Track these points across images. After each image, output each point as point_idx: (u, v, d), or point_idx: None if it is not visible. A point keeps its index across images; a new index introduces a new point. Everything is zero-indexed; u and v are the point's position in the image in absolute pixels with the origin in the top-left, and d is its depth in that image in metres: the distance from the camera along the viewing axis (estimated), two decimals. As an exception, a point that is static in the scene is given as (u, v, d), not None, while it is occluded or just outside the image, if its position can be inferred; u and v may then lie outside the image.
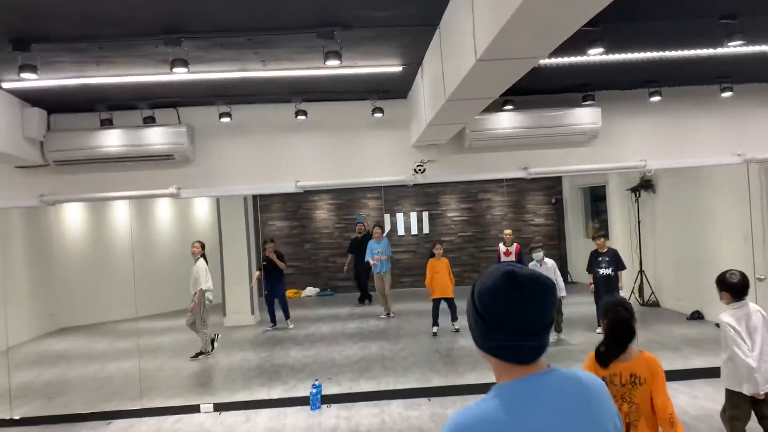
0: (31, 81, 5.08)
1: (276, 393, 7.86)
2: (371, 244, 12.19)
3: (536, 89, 7.15)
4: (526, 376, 1.59)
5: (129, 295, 12.26)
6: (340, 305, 14.02)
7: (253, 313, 12.62)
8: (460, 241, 16.28)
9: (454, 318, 10.51)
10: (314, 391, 7.37)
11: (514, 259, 11.47)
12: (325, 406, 7.34)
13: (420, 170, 7.19)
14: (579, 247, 15.54)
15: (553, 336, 9.44)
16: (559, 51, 5.37)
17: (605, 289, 9.55)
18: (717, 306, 10.22)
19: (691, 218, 11.06)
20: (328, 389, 7.65)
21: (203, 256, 9.73)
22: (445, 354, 9.42)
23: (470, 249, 16.16)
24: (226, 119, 7.07)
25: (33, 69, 4.68)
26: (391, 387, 7.83)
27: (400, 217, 15.81)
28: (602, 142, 7.38)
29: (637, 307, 11.67)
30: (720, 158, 7.39)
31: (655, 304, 12.00)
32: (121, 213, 13.64)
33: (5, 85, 5.92)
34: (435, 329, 10.45)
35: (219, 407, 7.43)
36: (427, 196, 16.05)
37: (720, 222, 10.43)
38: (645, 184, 12.25)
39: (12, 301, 10.06)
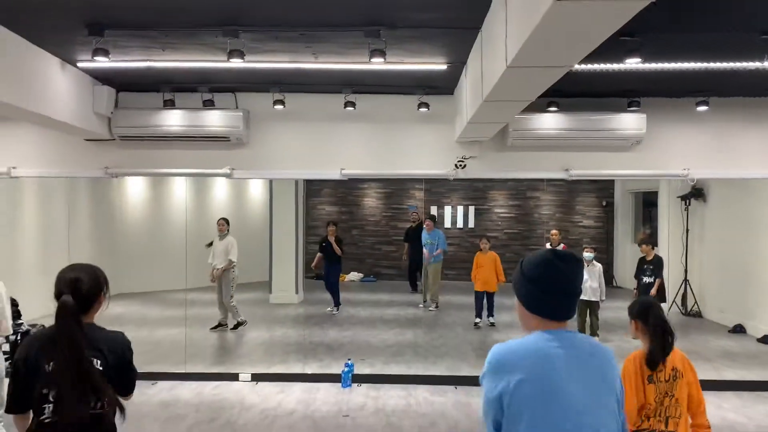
0: (102, 63, 5.54)
1: (310, 369, 8.25)
2: (423, 234, 12.40)
3: (581, 92, 7.25)
4: (557, 330, 2.05)
5: (181, 267, 12.96)
6: (382, 291, 14.36)
7: (297, 292, 13.06)
8: (506, 238, 16.33)
9: (491, 313, 10.69)
10: (346, 369, 7.72)
11: None
12: (356, 384, 7.68)
13: (461, 165, 7.41)
14: (626, 252, 15.38)
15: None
16: (600, 58, 5.52)
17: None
18: (760, 320, 10.16)
19: (742, 230, 10.89)
20: (360, 369, 7.98)
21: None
22: (478, 346, 9.62)
23: (515, 246, 16.19)
24: (279, 106, 7.45)
25: (105, 53, 5.14)
26: (420, 372, 8.12)
27: (447, 210, 15.99)
28: (645, 147, 7.42)
29: (679, 317, 11.58)
30: (766, 171, 7.33)
31: (698, 315, 11.87)
32: (178, 188, 14.30)
33: (80, 65, 6.43)
34: (477, 320, 10.66)
35: (256, 377, 7.87)
36: (475, 190, 16.17)
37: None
38: (696, 193, 12.09)
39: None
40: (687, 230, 12.23)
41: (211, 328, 10.35)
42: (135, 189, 13.67)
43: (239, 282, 10.70)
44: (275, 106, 7.47)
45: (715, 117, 7.32)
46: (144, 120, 7.47)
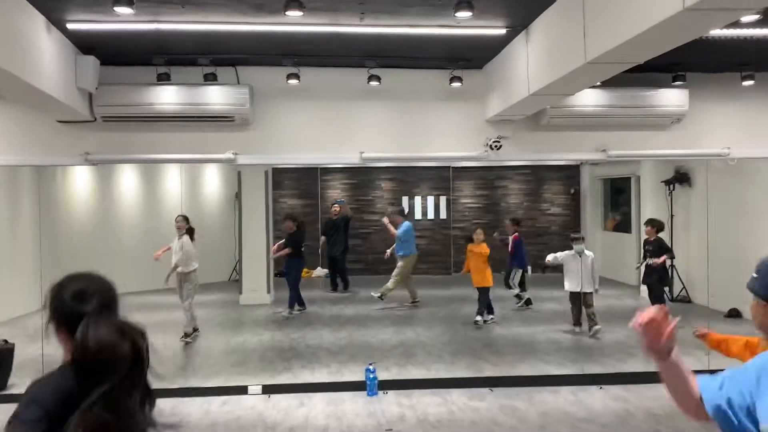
0: (98, 23, 4.49)
1: (321, 376, 7.45)
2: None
3: (622, 66, 6.77)
4: None
5: (134, 267, 11.73)
6: (352, 286, 13.53)
7: (269, 292, 12.12)
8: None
9: (481, 312, 9.95)
10: (371, 376, 6.93)
11: (510, 251, 11.04)
12: (382, 392, 6.92)
13: (496, 146, 6.76)
14: (596, 239, 15.25)
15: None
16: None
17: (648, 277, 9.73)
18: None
19: (732, 214, 10.81)
20: (378, 375, 7.21)
21: (188, 231, 8.86)
22: (488, 343, 9.05)
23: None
24: (293, 81, 6.56)
25: (129, 3, 4.12)
26: (444, 375, 7.45)
27: (417, 200, 15.38)
28: (685, 126, 7.05)
29: (666, 303, 11.45)
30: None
31: (686, 300, 11.80)
32: (128, 180, 12.99)
33: (70, 26, 5.31)
34: (477, 319, 9.88)
35: (267, 390, 6.96)
36: (444, 180, 15.63)
37: (763, 218, 10.19)
38: (681, 177, 11.99)
39: (20, 269, 9.48)
40: (672, 215, 12.14)
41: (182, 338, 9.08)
42: (81, 180, 12.26)
43: (201, 283, 9.50)
44: (288, 81, 6.58)
45: (759, 93, 7.01)
46: (133, 97, 6.40)
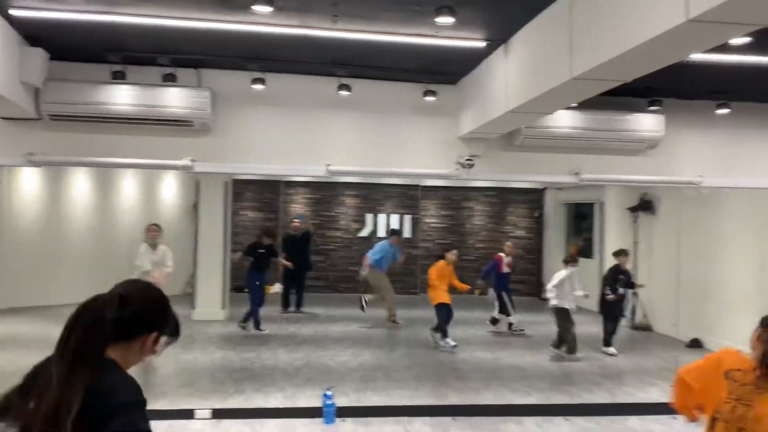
0: (39, 11, 4.09)
1: (275, 401, 7.00)
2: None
3: (598, 89, 6.62)
4: None
5: (84, 276, 11.12)
6: (312, 304, 13.10)
7: (223, 307, 11.63)
8: (438, 249, 15.66)
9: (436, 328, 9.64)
10: (329, 402, 6.53)
11: (508, 269, 11.14)
12: (339, 419, 6.52)
13: (469, 164, 6.50)
14: (558, 263, 15.17)
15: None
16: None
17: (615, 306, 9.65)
18: (719, 334, 10.08)
19: (695, 242, 10.79)
20: (336, 400, 6.82)
21: None
22: (453, 367, 8.74)
23: (447, 257, 15.54)
24: (259, 86, 6.21)
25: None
26: (405, 402, 7.09)
27: (381, 218, 15.08)
28: (659, 152, 6.93)
29: (627, 330, 11.35)
30: (774, 181, 7.05)
31: (646, 328, 11.72)
32: (80, 185, 12.38)
33: (14, 12, 4.86)
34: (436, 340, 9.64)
35: (217, 414, 6.49)
36: (410, 198, 15.39)
37: (730, 248, 10.18)
38: (645, 205, 11.98)
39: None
40: (636, 242, 12.11)
41: None
42: (27, 182, 11.63)
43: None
44: (253, 86, 6.22)
45: (733, 122, 6.94)
46: (84, 95, 5.95)
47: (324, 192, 15.15)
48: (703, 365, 3.17)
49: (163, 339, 1.93)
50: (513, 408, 7.01)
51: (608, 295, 9.44)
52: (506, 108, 5.19)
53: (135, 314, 1.82)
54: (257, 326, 10.30)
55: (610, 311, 9.69)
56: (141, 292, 1.91)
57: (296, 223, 12.70)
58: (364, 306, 11.14)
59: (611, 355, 9.49)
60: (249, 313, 10.39)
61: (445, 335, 9.57)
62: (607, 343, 9.67)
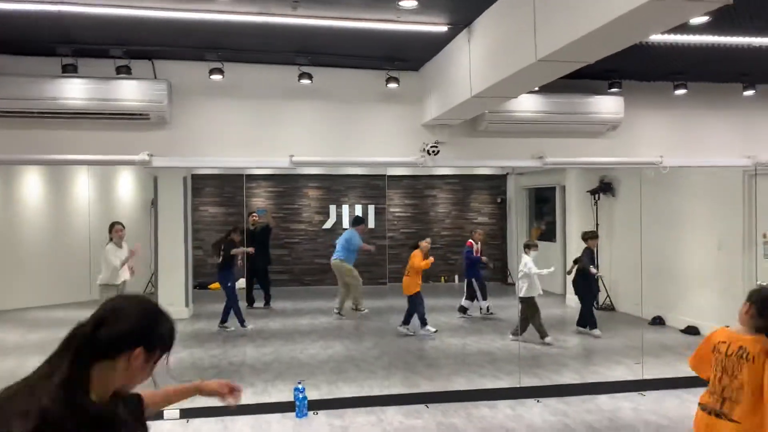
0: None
1: (245, 397, 6.80)
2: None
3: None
4: None
5: (41, 279, 10.77)
6: (278, 298, 12.95)
7: (187, 305, 11.41)
8: (403, 238, 15.63)
9: (406, 321, 9.74)
10: (300, 395, 6.46)
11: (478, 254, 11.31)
12: (312, 412, 6.46)
13: (434, 151, 6.46)
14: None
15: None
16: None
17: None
18: (681, 311, 10.32)
19: (654, 223, 10.98)
20: (309, 393, 6.75)
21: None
22: (421, 355, 8.75)
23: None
24: (217, 77, 6.04)
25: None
26: (377, 392, 7.05)
27: (345, 209, 14.98)
28: (620, 134, 6.99)
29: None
30: (730, 159, 7.18)
31: (610, 308, 11.94)
32: (31, 182, 11.94)
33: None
34: (404, 328, 9.69)
35: (186, 413, 6.36)
36: (373, 188, 15.31)
37: (690, 227, 10.42)
38: (604, 187, 12.17)
39: None
40: (597, 225, 12.28)
41: None
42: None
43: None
44: (211, 77, 6.05)
45: (691, 102, 7.04)
46: (33, 90, 5.68)
47: (287, 185, 14.95)
48: (699, 348, 3.48)
49: (157, 353, 1.86)
50: (485, 393, 7.04)
51: (595, 273, 9.68)
52: (470, 93, 5.14)
53: (109, 333, 1.73)
54: (242, 323, 10.12)
55: (589, 290, 9.92)
56: (117, 308, 1.79)
57: (255, 217, 12.50)
58: (341, 314, 11.21)
59: (597, 337, 9.71)
60: (227, 313, 10.21)
61: (424, 323, 9.62)
62: (593, 324, 9.86)
